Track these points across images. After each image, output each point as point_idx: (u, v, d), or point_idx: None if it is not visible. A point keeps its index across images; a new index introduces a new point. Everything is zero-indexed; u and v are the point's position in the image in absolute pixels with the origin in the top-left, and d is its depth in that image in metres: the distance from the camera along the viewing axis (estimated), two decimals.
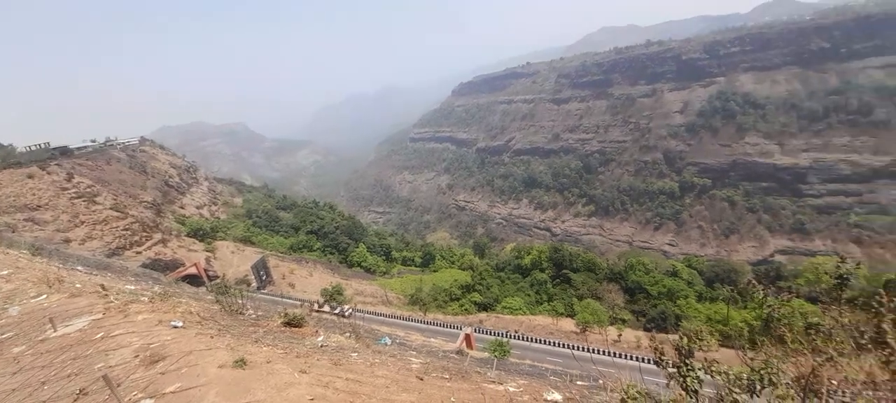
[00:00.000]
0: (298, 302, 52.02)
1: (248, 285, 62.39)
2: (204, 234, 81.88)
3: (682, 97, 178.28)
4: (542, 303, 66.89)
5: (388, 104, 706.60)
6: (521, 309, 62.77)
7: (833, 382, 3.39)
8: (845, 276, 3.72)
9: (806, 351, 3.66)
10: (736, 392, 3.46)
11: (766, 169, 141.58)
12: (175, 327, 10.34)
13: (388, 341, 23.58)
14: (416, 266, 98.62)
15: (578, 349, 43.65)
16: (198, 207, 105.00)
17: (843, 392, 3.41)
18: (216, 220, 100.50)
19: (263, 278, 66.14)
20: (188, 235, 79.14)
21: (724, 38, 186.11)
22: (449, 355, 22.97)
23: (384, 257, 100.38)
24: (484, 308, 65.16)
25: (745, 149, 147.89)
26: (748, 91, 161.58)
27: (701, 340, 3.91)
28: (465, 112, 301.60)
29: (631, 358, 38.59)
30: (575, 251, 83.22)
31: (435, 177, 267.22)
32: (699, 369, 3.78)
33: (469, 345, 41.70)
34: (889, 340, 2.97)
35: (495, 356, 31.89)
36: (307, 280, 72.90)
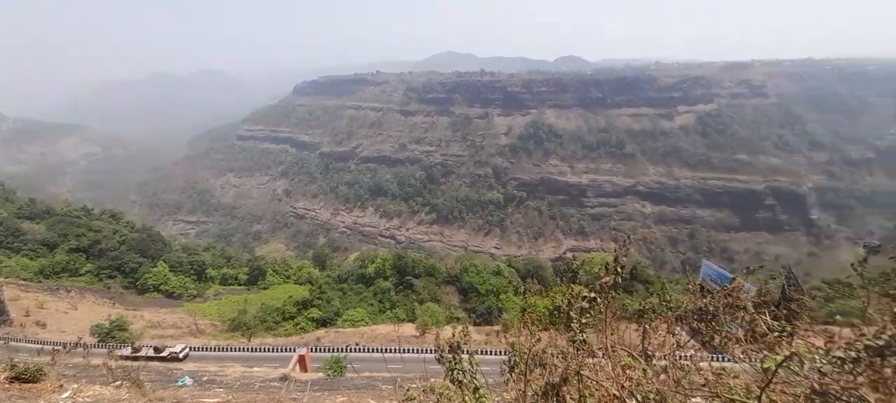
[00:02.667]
0: (46, 347, 37.12)
1: None
2: None
3: (507, 122, 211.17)
4: (385, 312, 66.15)
5: (205, 91, 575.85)
6: (363, 319, 60.55)
7: (552, 354, 4.02)
8: (574, 271, 4.49)
9: (536, 332, 4.39)
10: (476, 380, 4.04)
11: (561, 185, 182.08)
12: None
13: (189, 381, 18.54)
14: (240, 284, 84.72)
15: (417, 351, 44.49)
16: None
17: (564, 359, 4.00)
18: None
19: None
20: None
21: (536, 79, 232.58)
22: (269, 384, 19.65)
23: (195, 277, 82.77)
24: (323, 323, 60.17)
25: (549, 168, 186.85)
26: (552, 123, 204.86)
27: (466, 335, 4.49)
28: (308, 113, 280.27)
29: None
30: (418, 257, 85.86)
31: (269, 182, 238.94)
32: (466, 360, 4.24)
33: (303, 368, 37.43)
34: (573, 325, 3.66)
35: (330, 374, 29.22)
36: (68, 315, 53.66)
